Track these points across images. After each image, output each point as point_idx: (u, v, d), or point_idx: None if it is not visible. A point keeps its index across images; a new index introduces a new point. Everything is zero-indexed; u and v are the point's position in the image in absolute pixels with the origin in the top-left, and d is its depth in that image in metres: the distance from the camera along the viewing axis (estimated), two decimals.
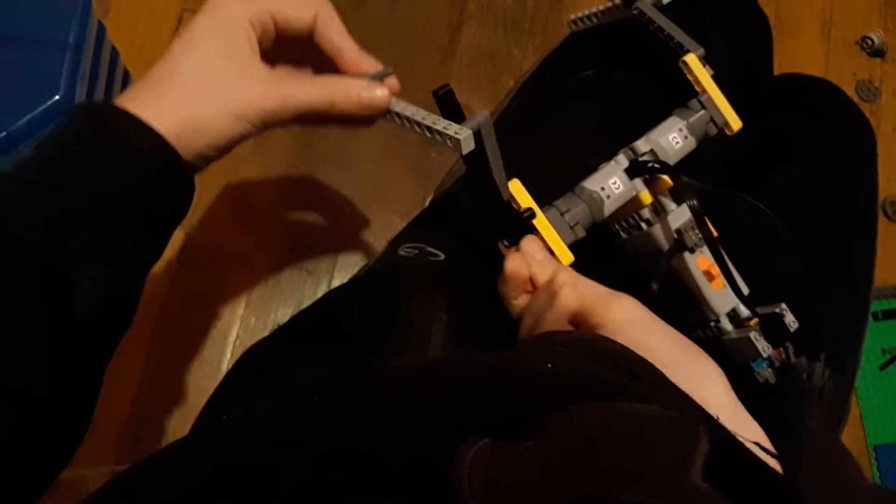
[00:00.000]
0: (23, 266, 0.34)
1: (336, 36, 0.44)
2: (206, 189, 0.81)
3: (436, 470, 0.29)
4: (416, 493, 0.30)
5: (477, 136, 0.43)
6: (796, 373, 0.33)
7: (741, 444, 0.29)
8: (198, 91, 0.39)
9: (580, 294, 0.45)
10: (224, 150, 0.40)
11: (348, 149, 0.82)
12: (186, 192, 0.40)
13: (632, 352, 0.40)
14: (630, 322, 0.43)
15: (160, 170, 0.37)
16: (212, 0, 0.41)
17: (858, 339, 0.57)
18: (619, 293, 0.45)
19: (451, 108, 0.44)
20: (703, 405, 0.40)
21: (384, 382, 0.37)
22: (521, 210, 0.48)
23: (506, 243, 0.50)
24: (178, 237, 0.79)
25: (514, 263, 0.47)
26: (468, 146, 0.42)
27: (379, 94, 0.43)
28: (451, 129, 0.41)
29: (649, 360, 0.39)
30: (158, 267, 0.78)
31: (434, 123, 0.42)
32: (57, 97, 0.62)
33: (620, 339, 0.41)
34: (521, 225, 0.48)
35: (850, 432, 0.83)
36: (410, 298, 0.52)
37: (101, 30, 0.68)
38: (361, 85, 0.43)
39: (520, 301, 0.49)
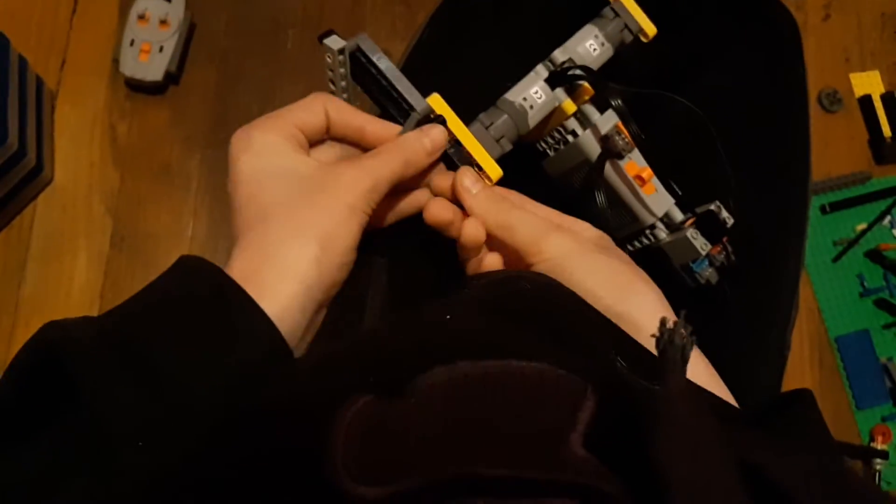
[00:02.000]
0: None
1: (351, 117, 0.43)
2: (128, 170, 0.77)
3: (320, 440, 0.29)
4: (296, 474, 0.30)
5: (358, 53, 0.44)
6: (660, 331, 0.33)
7: (635, 398, 0.28)
8: (306, 206, 0.38)
9: (507, 235, 0.43)
10: (354, 251, 0.40)
11: (266, 109, 0.77)
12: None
13: (557, 288, 0.39)
14: (565, 257, 0.42)
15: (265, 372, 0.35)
16: (237, 141, 0.40)
17: (800, 233, 0.57)
18: (551, 229, 0.43)
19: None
20: (635, 328, 0.39)
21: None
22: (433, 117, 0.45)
23: None
24: (105, 224, 0.76)
25: (435, 209, 0.44)
26: (335, 44, 0.44)
27: (435, 133, 0.44)
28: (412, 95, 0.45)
29: (586, 290, 0.39)
30: (90, 256, 0.77)
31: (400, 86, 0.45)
32: None
33: (563, 275, 0.41)
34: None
35: (809, 327, 0.83)
36: None
37: (4, 39, 0.65)
38: (418, 134, 0.43)
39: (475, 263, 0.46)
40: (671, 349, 0.32)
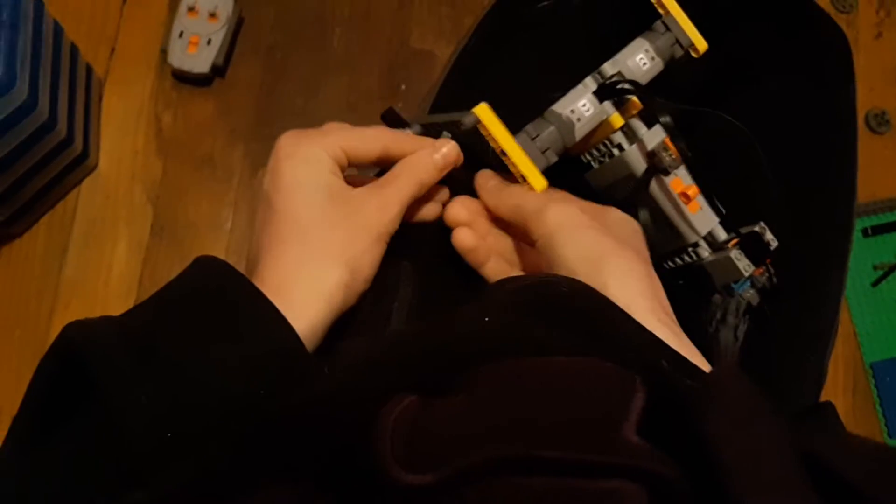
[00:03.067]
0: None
1: (411, 149, 0.46)
2: (171, 160, 0.78)
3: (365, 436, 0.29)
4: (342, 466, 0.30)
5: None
6: (711, 310, 0.33)
7: (682, 391, 0.28)
8: (341, 230, 0.40)
9: (516, 213, 0.45)
10: (373, 277, 0.42)
11: (309, 106, 0.79)
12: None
13: (590, 291, 0.39)
14: (558, 230, 0.42)
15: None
16: (285, 144, 0.41)
17: (843, 255, 0.56)
18: (554, 199, 0.44)
19: (396, 122, 0.50)
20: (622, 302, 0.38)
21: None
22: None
23: None
24: (146, 212, 0.77)
25: (453, 210, 0.47)
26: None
27: (447, 149, 0.46)
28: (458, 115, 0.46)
29: (566, 267, 0.40)
30: (131, 243, 0.78)
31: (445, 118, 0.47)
32: (24, 99, 0.60)
33: (551, 247, 0.42)
34: (479, 146, 0.46)
35: (845, 351, 0.82)
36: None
37: (39, 5, 0.65)
38: (429, 152, 0.45)
39: (491, 266, 0.47)
40: (724, 329, 0.32)
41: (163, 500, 0.31)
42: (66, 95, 0.70)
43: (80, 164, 0.75)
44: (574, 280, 0.41)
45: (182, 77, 0.79)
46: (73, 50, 0.73)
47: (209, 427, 0.32)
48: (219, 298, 0.35)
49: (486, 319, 0.36)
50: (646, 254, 0.44)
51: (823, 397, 0.80)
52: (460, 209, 0.47)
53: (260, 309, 0.35)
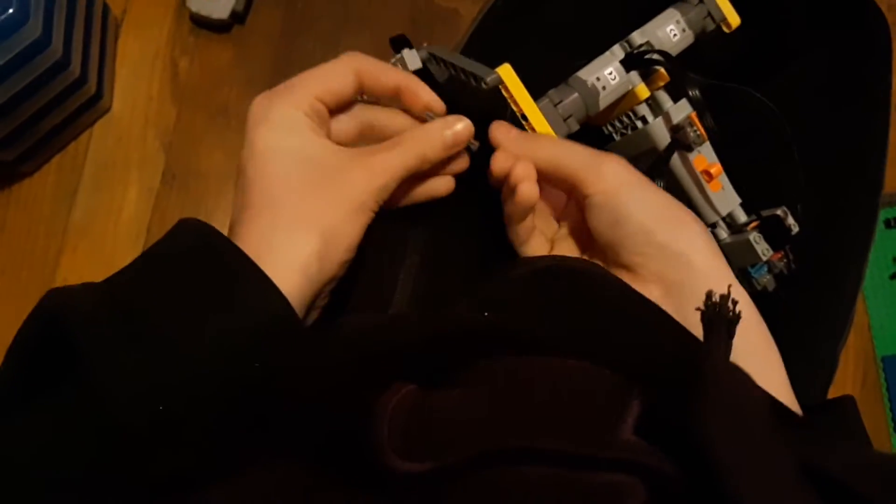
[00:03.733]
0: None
1: (385, 77, 0.42)
2: (186, 108, 0.77)
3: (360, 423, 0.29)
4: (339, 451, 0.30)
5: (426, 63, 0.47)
6: (706, 303, 0.32)
7: (677, 392, 0.28)
8: (315, 197, 0.37)
9: (558, 164, 0.41)
10: (356, 248, 0.39)
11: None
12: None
13: (601, 276, 0.38)
14: (623, 185, 0.40)
15: (276, 341, 0.34)
16: (257, 109, 0.39)
17: (865, 246, 0.54)
18: (604, 154, 0.42)
19: (402, 45, 0.47)
20: (688, 266, 0.38)
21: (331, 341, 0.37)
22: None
23: (472, 144, 0.44)
24: (158, 158, 0.76)
25: (497, 164, 0.43)
26: (413, 64, 0.46)
27: (460, 126, 0.42)
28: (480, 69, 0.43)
29: (639, 224, 0.39)
30: (141, 189, 0.77)
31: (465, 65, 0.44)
32: (37, 36, 0.59)
33: (615, 205, 0.39)
34: (495, 108, 0.44)
35: (857, 343, 0.80)
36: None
37: None
38: (440, 126, 0.41)
39: (532, 246, 0.45)
40: (717, 321, 0.31)
41: (150, 477, 0.30)
42: (81, 34, 0.68)
43: (94, 106, 0.74)
44: (581, 261, 0.40)
45: (200, 22, 0.78)
46: (105, 9, 0.72)
47: (198, 398, 0.31)
48: (206, 263, 0.34)
49: (486, 314, 0.35)
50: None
51: (832, 389, 0.80)
52: (505, 161, 0.42)
53: (248, 274, 0.33)
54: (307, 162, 0.38)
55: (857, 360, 0.80)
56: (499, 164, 0.42)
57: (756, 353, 0.39)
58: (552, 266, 0.40)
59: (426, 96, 0.43)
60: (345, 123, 0.42)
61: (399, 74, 0.43)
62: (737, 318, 0.32)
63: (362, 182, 0.38)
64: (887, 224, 0.81)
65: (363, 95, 0.44)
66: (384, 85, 0.42)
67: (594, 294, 0.38)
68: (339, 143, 0.41)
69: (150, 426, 0.30)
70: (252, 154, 0.38)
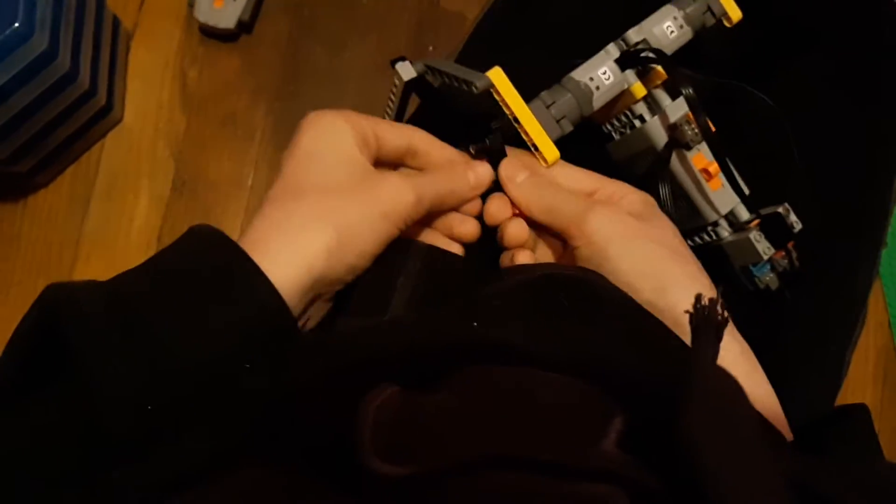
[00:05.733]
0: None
1: (438, 155, 0.44)
2: (195, 115, 0.78)
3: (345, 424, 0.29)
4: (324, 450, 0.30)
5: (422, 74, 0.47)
6: (695, 307, 0.32)
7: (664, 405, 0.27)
8: (341, 197, 0.37)
9: (550, 215, 0.42)
10: (371, 259, 0.39)
11: (334, 64, 0.78)
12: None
13: (596, 284, 0.37)
14: (609, 242, 0.40)
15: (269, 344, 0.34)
16: (310, 118, 0.40)
17: (876, 244, 0.53)
18: (593, 207, 0.41)
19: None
20: (674, 323, 0.37)
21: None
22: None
23: (472, 149, 0.45)
24: (168, 167, 0.77)
25: (493, 206, 0.44)
26: (407, 74, 0.47)
27: (481, 170, 0.44)
28: (470, 75, 0.44)
29: (625, 283, 0.38)
30: (152, 197, 0.78)
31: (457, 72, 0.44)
32: (44, 48, 0.60)
33: (600, 261, 0.40)
34: (488, 112, 0.44)
35: (876, 341, 0.79)
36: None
37: None
38: (468, 167, 0.44)
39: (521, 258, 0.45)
40: (705, 327, 0.31)
41: (140, 476, 0.30)
42: (90, 47, 0.69)
43: (105, 117, 0.75)
44: (577, 269, 0.40)
45: (209, 32, 0.79)
46: (100, 1, 0.73)
47: (188, 399, 0.31)
48: (204, 263, 0.34)
49: (475, 324, 0.35)
50: (684, 247, 0.42)
51: (851, 388, 0.78)
52: (502, 208, 0.44)
53: (243, 269, 0.33)
54: (341, 166, 0.38)
55: (877, 358, 0.78)
56: (492, 213, 0.44)
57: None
58: (550, 274, 0.40)
59: (473, 171, 0.44)
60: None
61: (447, 150, 0.44)
62: (725, 321, 0.31)
63: (391, 193, 0.39)
64: None
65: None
66: (432, 160, 0.44)
67: (592, 303, 0.37)
68: None
69: (137, 427, 0.30)
70: (292, 153, 0.39)
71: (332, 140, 0.39)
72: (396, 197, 0.39)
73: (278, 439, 0.33)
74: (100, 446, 0.30)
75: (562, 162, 0.45)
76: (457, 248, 0.45)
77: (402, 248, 0.45)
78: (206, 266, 0.34)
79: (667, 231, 0.43)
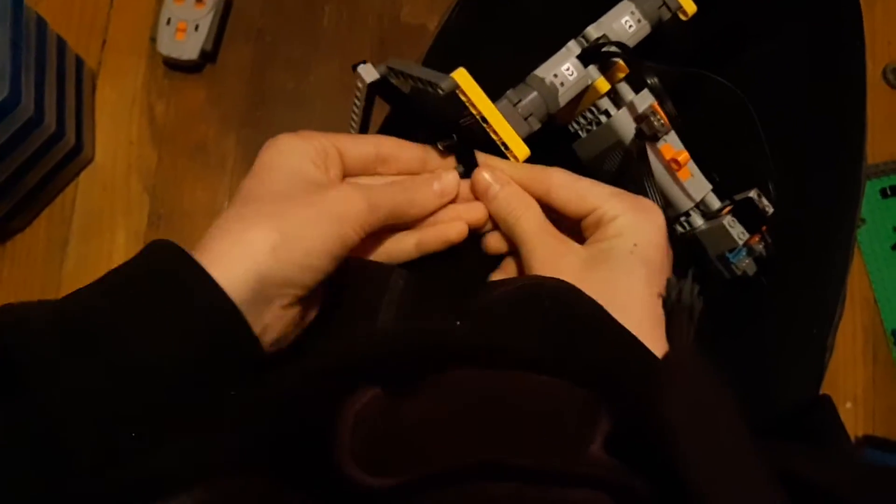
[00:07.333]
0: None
1: (408, 156, 0.45)
2: (166, 148, 0.78)
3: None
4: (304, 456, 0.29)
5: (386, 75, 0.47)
6: (667, 291, 0.32)
7: (648, 410, 0.27)
8: (286, 202, 0.38)
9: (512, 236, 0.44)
10: (325, 260, 0.38)
11: (300, 88, 0.78)
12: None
13: (577, 297, 0.38)
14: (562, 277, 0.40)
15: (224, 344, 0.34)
16: (271, 140, 0.41)
17: (850, 223, 0.53)
18: (563, 241, 0.43)
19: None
20: None
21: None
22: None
23: (441, 145, 0.45)
24: (143, 202, 0.77)
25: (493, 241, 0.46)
26: (369, 76, 0.47)
27: (449, 178, 0.44)
28: (435, 77, 0.44)
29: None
30: (129, 233, 0.78)
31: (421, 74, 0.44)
32: (5, 95, 0.60)
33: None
34: (456, 113, 0.44)
35: (863, 319, 0.79)
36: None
37: (42, 22, 0.65)
38: (431, 177, 0.44)
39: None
40: (678, 308, 0.30)
41: (101, 490, 0.30)
42: (53, 89, 0.69)
43: (76, 157, 0.75)
44: (559, 282, 0.40)
45: (173, 64, 0.78)
46: (61, 43, 0.72)
47: (141, 405, 0.31)
48: (152, 270, 0.34)
49: (458, 323, 0.35)
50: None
51: (841, 369, 0.78)
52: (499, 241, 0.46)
53: (188, 269, 0.33)
54: (293, 178, 0.39)
55: (865, 336, 0.78)
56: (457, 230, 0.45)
57: None
58: (532, 284, 0.40)
59: (438, 180, 0.45)
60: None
61: (416, 150, 0.45)
62: (698, 304, 0.31)
63: (337, 198, 0.39)
64: (883, 194, 0.80)
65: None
66: (400, 163, 0.44)
67: (569, 312, 0.38)
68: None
69: (95, 443, 0.30)
70: (252, 170, 0.40)
71: (287, 157, 0.40)
72: (344, 202, 0.39)
73: (253, 447, 0.33)
74: (50, 464, 0.30)
75: (565, 171, 0.45)
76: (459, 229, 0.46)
77: (384, 267, 0.45)
78: (154, 272, 0.34)
79: (620, 284, 0.40)
